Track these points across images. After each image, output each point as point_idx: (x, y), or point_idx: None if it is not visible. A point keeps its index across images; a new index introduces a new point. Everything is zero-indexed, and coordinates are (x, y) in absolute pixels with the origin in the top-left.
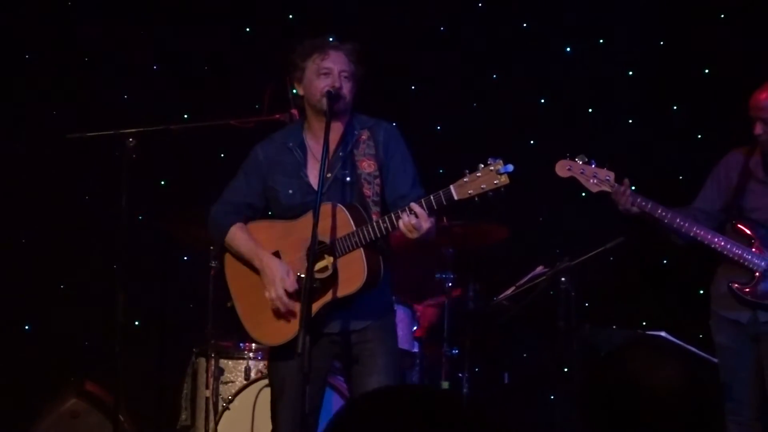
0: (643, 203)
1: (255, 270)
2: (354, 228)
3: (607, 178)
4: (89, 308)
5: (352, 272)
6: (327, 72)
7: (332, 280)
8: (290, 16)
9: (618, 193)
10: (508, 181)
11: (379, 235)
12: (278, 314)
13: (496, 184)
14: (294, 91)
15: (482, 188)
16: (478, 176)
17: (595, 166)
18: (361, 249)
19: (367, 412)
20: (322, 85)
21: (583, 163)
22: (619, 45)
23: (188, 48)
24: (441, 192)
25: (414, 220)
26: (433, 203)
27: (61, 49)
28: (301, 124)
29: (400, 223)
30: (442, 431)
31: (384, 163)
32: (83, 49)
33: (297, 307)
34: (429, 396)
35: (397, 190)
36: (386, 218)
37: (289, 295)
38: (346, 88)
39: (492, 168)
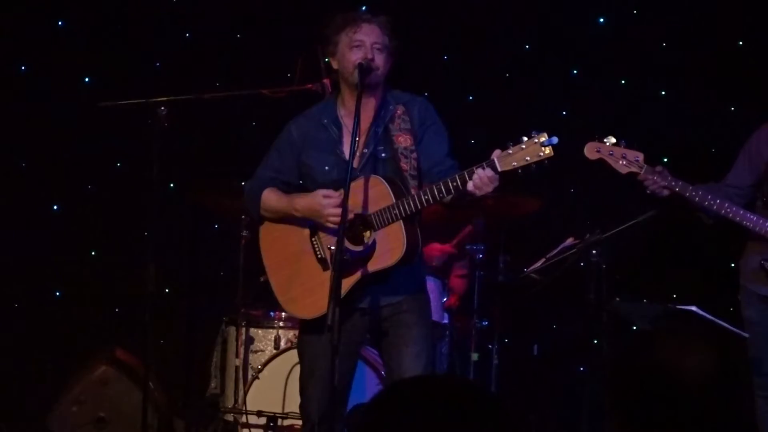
0: (673, 183)
1: (292, 241)
2: (393, 200)
3: (636, 158)
4: (120, 276)
5: (391, 245)
6: (359, 44)
7: (369, 254)
8: None
9: (646, 177)
10: (552, 153)
11: (420, 207)
12: (314, 286)
13: (540, 156)
14: (326, 60)
15: (526, 160)
16: (523, 148)
17: (624, 147)
18: (401, 221)
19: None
20: (355, 57)
21: (611, 144)
22: (652, 16)
23: (220, 16)
24: (485, 163)
25: (490, 173)
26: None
27: (93, 17)
28: (334, 99)
29: (475, 177)
30: (470, 425)
31: (419, 136)
32: (115, 17)
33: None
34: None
35: (432, 158)
36: (428, 190)
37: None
38: (379, 60)
39: (536, 140)
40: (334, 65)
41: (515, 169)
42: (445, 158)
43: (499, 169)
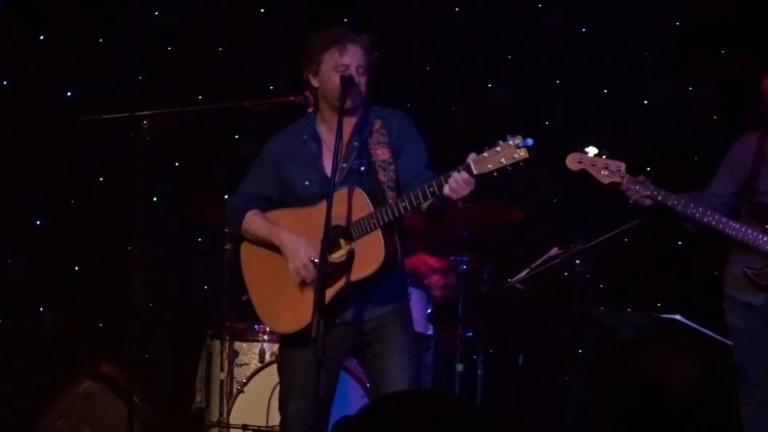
0: (655, 192)
1: (272, 258)
2: (372, 210)
3: (618, 168)
4: (104, 290)
5: (370, 254)
6: (344, 69)
7: (349, 264)
8: None
9: (628, 187)
10: (527, 155)
11: (398, 214)
12: (294, 300)
13: (515, 158)
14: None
15: (501, 162)
16: (498, 151)
17: (606, 157)
18: (379, 230)
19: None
20: (339, 81)
21: (593, 155)
22: (636, 25)
23: (203, 29)
24: (460, 167)
25: (465, 176)
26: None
27: (76, 30)
28: (314, 115)
29: (451, 180)
30: None
31: (397, 149)
32: (98, 31)
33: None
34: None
35: (411, 171)
36: (405, 197)
37: (313, 268)
38: (362, 83)
39: (511, 143)
40: (315, 83)
41: (491, 172)
42: (424, 170)
43: (475, 172)
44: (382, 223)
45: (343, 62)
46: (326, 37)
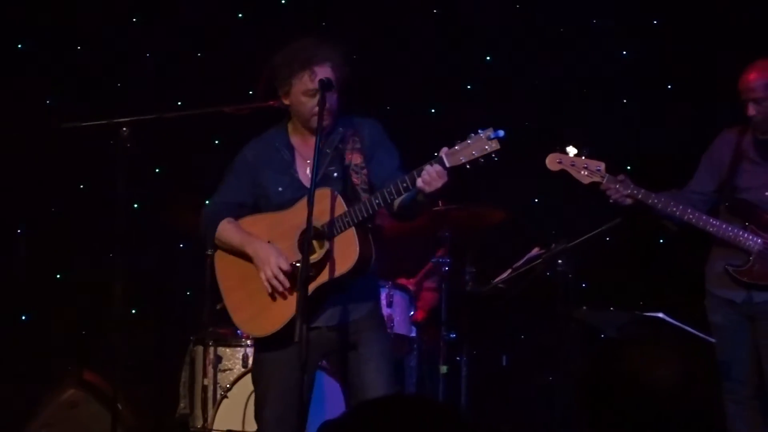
0: (635, 191)
1: (245, 263)
2: (345, 208)
3: (598, 168)
4: (86, 298)
5: (345, 252)
6: (315, 93)
7: (324, 263)
8: (282, 1)
9: (608, 187)
10: (499, 146)
11: (371, 211)
12: (269, 303)
13: (486, 149)
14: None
15: (473, 155)
16: (470, 143)
17: (585, 158)
18: (353, 228)
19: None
20: (311, 106)
21: (573, 155)
22: (612, 25)
23: (181, 35)
24: (432, 160)
25: (438, 168)
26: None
27: (55, 38)
28: (285, 126)
29: (424, 173)
30: None
31: (369, 154)
32: (76, 39)
33: (289, 292)
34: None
35: (384, 172)
36: (378, 194)
37: (284, 274)
38: (332, 101)
39: (483, 135)
40: (285, 101)
41: (463, 164)
42: (397, 172)
43: (447, 165)
44: (356, 221)
45: (314, 87)
46: (296, 58)
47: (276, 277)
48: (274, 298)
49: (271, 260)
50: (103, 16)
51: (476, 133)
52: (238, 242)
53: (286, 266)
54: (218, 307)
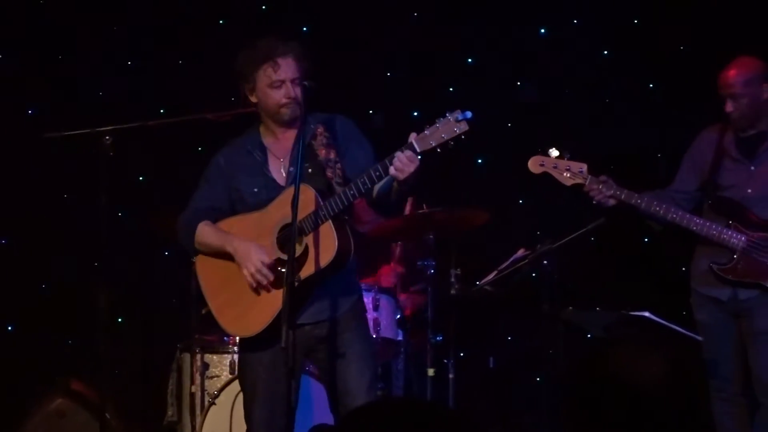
0: (618, 192)
1: (226, 265)
2: (321, 203)
3: (581, 170)
4: (72, 307)
5: (324, 246)
6: (279, 84)
7: (304, 259)
8: (263, 7)
9: (591, 188)
10: (467, 127)
11: (347, 203)
12: (253, 302)
13: (456, 131)
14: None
15: (443, 138)
16: (438, 127)
17: (568, 159)
18: (330, 222)
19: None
20: (278, 97)
21: (555, 157)
22: (593, 24)
23: (162, 43)
24: (403, 147)
25: (409, 153)
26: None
27: (35, 47)
28: (257, 128)
29: (395, 160)
30: None
31: (342, 148)
32: (57, 48)
33: (272, 290)
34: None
35: (358, 166)
36: (352, 185)
37: (267, 268)
38: (298, 93)
39: (450, 118)
40: (253, 99)
41: (434, 148)
42: (371, 164)
43: (418, 150)
44: (332, 214)
45: (278, 77)
46: (257, 54)
47: (260, 272)
48: (257, 297)
49: (252, 256)
50: (83, 25)
51: (444, 116)
52: (218, 242)
53: (268, 260)
54: (203, 311)
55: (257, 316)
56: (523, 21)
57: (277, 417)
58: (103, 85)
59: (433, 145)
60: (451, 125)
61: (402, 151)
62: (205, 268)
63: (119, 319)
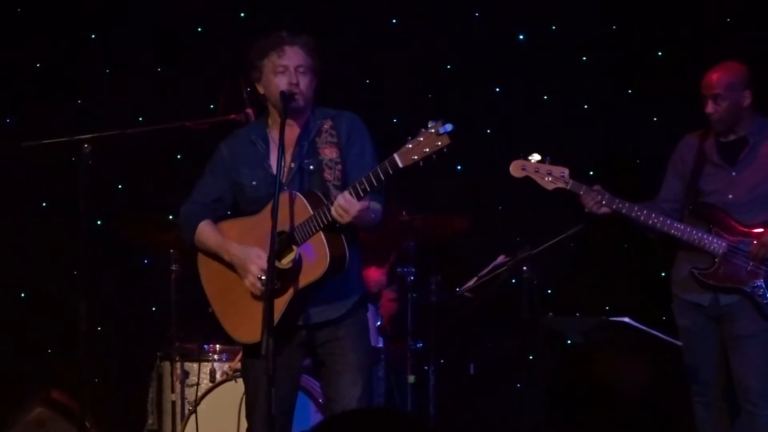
0: (620, 205)
1: (226, 270)
2: (311, 212)
3: (562, 174)
4: (51, 316)
5: (316, 257)
6: (283, 69)
7: (297, 269)
8: (241, 15)
9: (585, 199)
10: (449, 141)
11: (326, 221)
12: (254, 309)
13: (438, 145)
14: (249, 89)
15: (425, 152)
16: (420, 141)
17: (549, 164)
18: (321, 232)
19: None
20: (280, 83)
21: (536, 161)
22: (572, 31)
23: (140, 50)
24: (386, 162)
25: (341, 201)
26: (380, 174)
27: (11, 56)
28: (264, 119)
29: (335, 206)
30: None
31: (345, 150)
32: (34, 56)
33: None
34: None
35: (359, 170)
36: (326, 207)
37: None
38: (303, 83)
39: (432, 130)
40: (260, 90)
41: (416, 162)
42: (372, 169)
43: (401, 165)
44: (323, 225)
45: (282, 63)
46: (265, 43)
47: (258, 282)
48: (258, 303)
49: (251, 268)
50: (61, 33)
51: (426, 128)
52: (215, 247)
53: (264, 264)
54: (210, 311)
55: (255, 325)
56: (501, 27)
57: (277, 419)
58: (82, 93)
59: (416, 159)
60: (433, 139)
61: (385, 166)
62: (207, 270)
63: (99, 328)
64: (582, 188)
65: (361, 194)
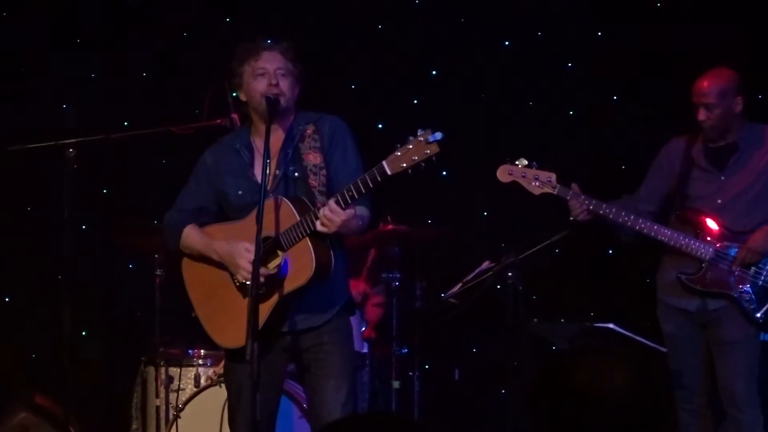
0: (587, 202)
1: (212, 272)
2: (298, 218)
3: (549, 179)
4: (36, 320)
5: (302, 263)
6: (262, 72)
7: (284, 275)
8: (227, 20)
9: (573, 204)
10: (438, 149)
11: (309, 229)
12: (239, 313)
13: (427, 153)
14: (234, 94)
15: (414, 160)
16: (409, 148)
17: (536, 168)
18: (307, 238)
19: None
20: (260, 86)
21: (523, 166)
22: (557, 37)
23: (126, 54)
24: (374, 169)
25: (327, 212)
26: (369, 181)
27: None
28: (248, 127)
29: (321, 217)
30: None
31: (328, 154)
32: (17, 60)
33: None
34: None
35: (343, 174)
36: (310, 217)
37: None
38: (284, 85)
39: (421, 138)
40: (243, 97)
41: (405, 170)
42: (356, 172)
43: (389, 173)
44: (309, 231)
45: (261, 66)
46: (244, 48)
47: (248, 271)
48: (242, 308)
49: (240, 262)
50: (47, 38)
51: (415, 135)
52: (203, 248)
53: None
54: (193, 315)
55: (240, 329)
56: (487, 33)
57: (260, 424)
58: (66, 97)
59: (405, 167)
60: (423, 146)
61: (325, 206)
62: (191, 274)
63: (83, 333)
64: (569, 193)
65: (349, 201)
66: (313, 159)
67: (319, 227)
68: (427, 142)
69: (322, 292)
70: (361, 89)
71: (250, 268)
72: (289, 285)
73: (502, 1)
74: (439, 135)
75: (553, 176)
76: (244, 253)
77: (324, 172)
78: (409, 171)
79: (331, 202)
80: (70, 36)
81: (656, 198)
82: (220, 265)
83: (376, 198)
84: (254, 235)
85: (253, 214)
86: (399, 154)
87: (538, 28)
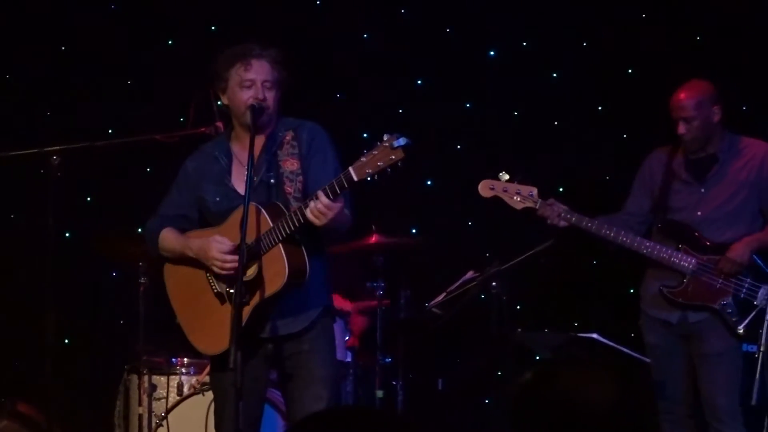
0: (569, 216)
1: (192, 279)
2: (271, 225)
3: (531, 194)
4: (18, 328)
5: (275, 270)
6: (250, 84)
7: (258, 282)
8: (212, 28)
9: (544, 211)
10: (403, 155)
11: (297, 224)
12: (220, 319)
13: (392, 159)
14: (219, 102)
15: (379, 165)
16: (375, 154)
17: (518, 183)
18: (280, 245)
19: None
20: (246, 97)
21: (505, 181)
22: (542, 48)
23: (111, 62)
24: (341, 175)
25: (319, 205)
26: (336, 187)
27: None
28: (228, 133)
29: (307, 211)
30: None
31: (306, 161)
32: (3, 67)
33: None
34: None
35: (320, 181)
36: (298, 209)
37: (231, 257)
38: (270, 98)
39: (386, 144)
40: (225, 101)
41: (371, 176)
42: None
43: (355, 179)
44: (282, 237)
45: (248, 77)
46: (232, 54)
47: (225, 261)
48: (223, 314)
49: (211, 253)
50: (30, 45)
51: (381, 141)
52: (179, 246)
53: (227, 247)
54: (177, 322)
55: (220, 336)
56: (472, 42)
57: (245, 429)
58: (51, 105)
59: (371, 173)
60: (388, 152)
61: (315, 200)
62: (172, 281)
63: (66, 341)
64: (538, 202)
65: (297, 222)
66: (290, 165)
67: (310, 217)
68: (392, 148)
69: (299, 298)
70: (347, 97)
71: (221, 257)
72: (266, 291)
73: (487, 11)
74: (403, 140)
75: (535, 191)
76: (214, 245)
77: (300, 178)
78: (375, 177)
79: (322, 195)
80: (54, 42)
81: (643, 211)
82: (200, 270)
83: (360, 208)
84: (231, 239)
85: (230, 219)
86: (364, 160)
87: (524, 38)
